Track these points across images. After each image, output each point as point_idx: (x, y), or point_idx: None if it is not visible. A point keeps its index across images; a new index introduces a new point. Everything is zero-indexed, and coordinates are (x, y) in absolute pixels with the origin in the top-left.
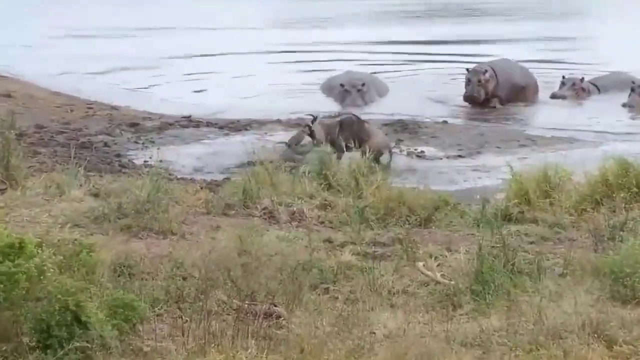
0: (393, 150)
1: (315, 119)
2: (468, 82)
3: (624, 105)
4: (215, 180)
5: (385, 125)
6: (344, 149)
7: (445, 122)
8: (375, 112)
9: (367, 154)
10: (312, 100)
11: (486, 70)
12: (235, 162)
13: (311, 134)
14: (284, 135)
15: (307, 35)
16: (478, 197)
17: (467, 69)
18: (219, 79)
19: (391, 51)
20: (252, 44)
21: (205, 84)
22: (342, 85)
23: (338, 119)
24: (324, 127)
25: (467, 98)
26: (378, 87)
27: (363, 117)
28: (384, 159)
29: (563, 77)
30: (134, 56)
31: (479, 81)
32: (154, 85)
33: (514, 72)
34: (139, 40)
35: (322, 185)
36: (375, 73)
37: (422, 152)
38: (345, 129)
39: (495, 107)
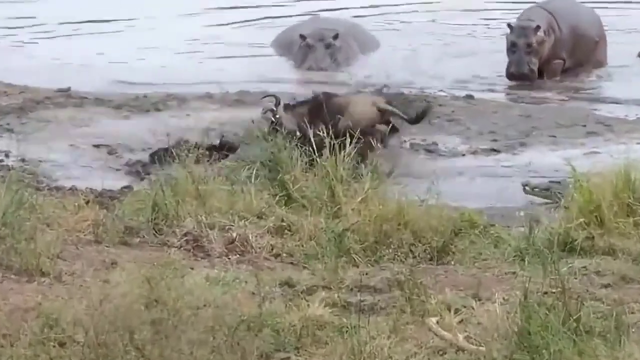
0: (389, 136)
1: (278, 102)
2: (512, 48)
3: None
4: (110, 191)
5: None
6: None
7: (470, 96)
8: (355, 80)
9: (348, 142)
10: (259, 64)
11: (538, 27)
12: (140, 162)
13: (275, 123)
14: (219, 118)
15: None
16: (522, 214)
17: (509, 24)
18: (118, 31)
19: None
20: None
21: (97, 41)
22: (302, 37)
23: (307, 105)
24: (295, 115)
25: (513, 76)
26: (361, 41)
27: (337, 88)
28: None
29: None
30: None
31: (529, 46)
32: (18, 43)
33: (580, 18)
34: None
35: (278, 198)
36: (358, 18)
37: (435, 144)
38: (314, 116)
39: (556, 75)
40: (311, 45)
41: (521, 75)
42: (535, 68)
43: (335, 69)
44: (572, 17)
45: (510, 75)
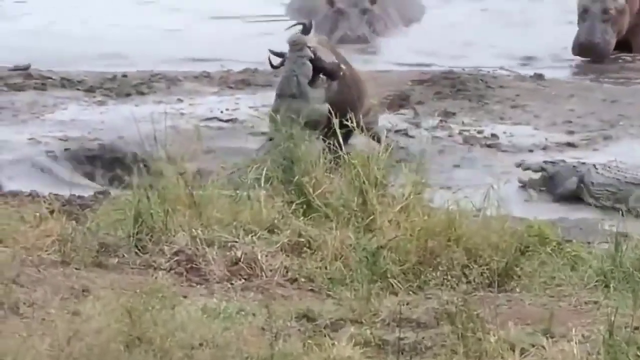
0: (432, 129)
1: (309, 29)
2: (584, 14)
3: None
4: (80, 197)
5: (417, 81)
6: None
7: (540, 76)
8: (396, 55)
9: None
10: (269, 34)
11: None
12: (118, 160)
13: (315, 61)
14: (218, 104)
15: None
16: (606, 228)
17: None
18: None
19: None
20: None
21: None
22: (331, 2)
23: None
24: (333, 51)
25: (582, 47)
26: (403, 6)
27: (367, 64)
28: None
29: None
30: None
31: (605, 12)
32: None
33: None
34: None
35: (294, 206)
36: None
37: (495, 137)
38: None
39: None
40: (343, 11)
41: (592, 46)
42: (612, 40)
43: (373, 42)
44: None
45: (578, 47)
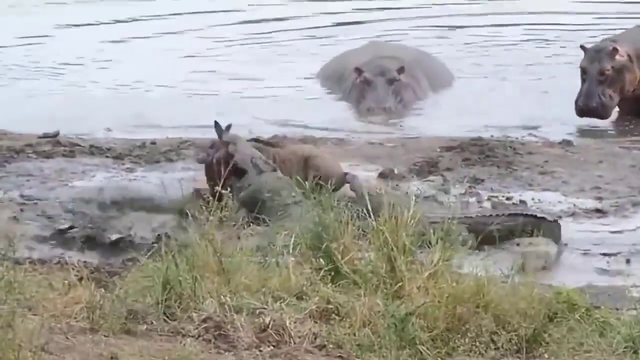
0: (460, 196)
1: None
2: (583, 76)
3: None
4: (109, 264)
5: (446, 148)
6: None
7: (568, 142)
8: (423, 123)
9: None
10: (297, 102)
11: (616, 49)
12: (148, 227)
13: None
14: None
15: None
16: (634, 294)
17: (582, 46)
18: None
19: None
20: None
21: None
22: (358, 71)
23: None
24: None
25: (582, 111)
26: (432, 74)
27: (391, 130)
28: None
29: None
30: None
31: (602, 74)
32: None
33: None
34: None
35: (323, 273)
36: (425, 48)
37: (523, 203)
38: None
39: None
40: (370, 81)
41: (590, 110)
42: (611, 101)
43: (401, 111)
44: None
45: (578, 111)
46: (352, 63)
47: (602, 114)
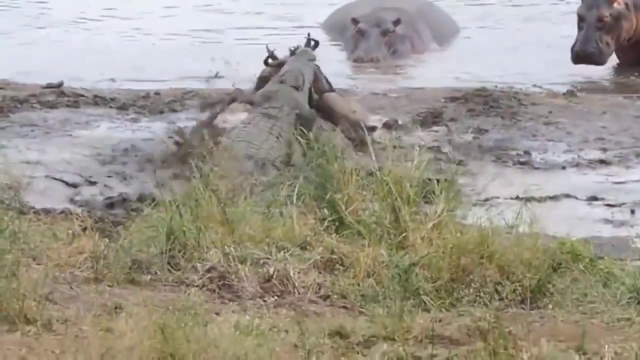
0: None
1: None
2: (580, 23)
3: None
4: (113, 214)
5: (450, 98)
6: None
7: (572, 93)
8: (424, 73)
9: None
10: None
11: None
12: (150, 177)
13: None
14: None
15: None
16: (639, 245)
17: None
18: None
19: None
20: None
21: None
22: (354, 21)
23: None
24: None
25: (578, 57)
26: (436, 25)
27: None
28: None
29: None
30: None
31: (600, 20)
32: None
33: None
34: None
35: (327, 223)
36: None
37: (527, 154)
38: None
39: None
40: (364, 32)
41: (587, 55)
42: (608, 48)
43: (393, 61)
44: None
45: (575, 56)
46: (355, 14)
47: (598, 60)
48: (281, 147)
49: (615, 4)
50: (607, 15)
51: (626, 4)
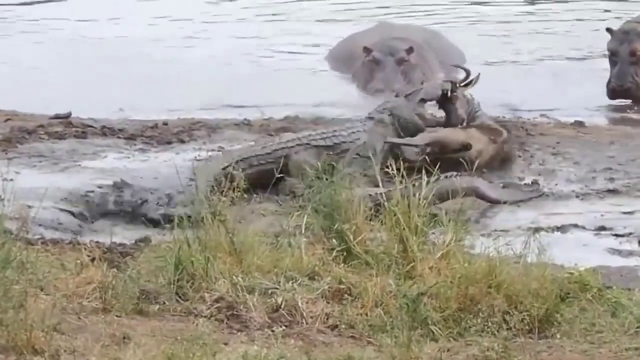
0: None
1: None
2: (613, 57)
3: None
4: (121, 245)
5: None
6: None
7: (580, 123)
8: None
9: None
10: (309, 82)
11: None
12: (160, 208)
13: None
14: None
15: None
16: None
17: (608, 29)
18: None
19: None
20: None
21: (104, 54)
22: (367, 50)
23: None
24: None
25: (615, 92)
26: (443, 54)
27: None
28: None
29: None
30: None
31: (633, 54)
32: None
33: None
34: None
35: (335, 253)
36: (439, 25)
37: (535, 183)
38: None
39: None
40: (379, 61)
41: (624, 91)
42: None
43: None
44: None
45: (611, 92)
46: (361, 44)
47: (636, 94)
48: None
49: None
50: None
51: None
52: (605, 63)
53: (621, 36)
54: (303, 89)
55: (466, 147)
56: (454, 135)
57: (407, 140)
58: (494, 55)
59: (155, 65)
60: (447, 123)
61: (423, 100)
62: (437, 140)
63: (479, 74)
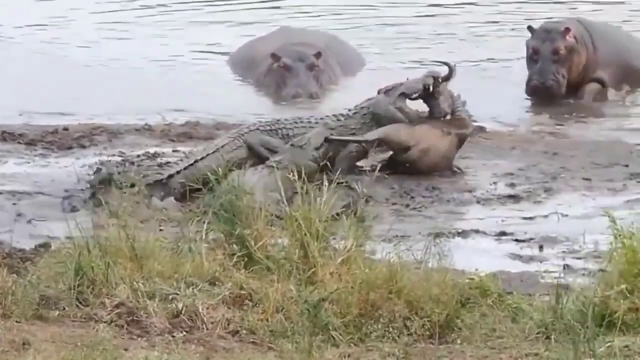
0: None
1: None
2: (534, 55)
3: None
4: (21, 250)
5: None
6: None
7: (481, 128)
8: (335, 106)
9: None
10: (212, 87)
11: (568, 29)
12: (60, 214)
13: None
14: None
15: None
16: (547, 280)
17: (530, 27)
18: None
19: None
20: None
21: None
22: (275, 57)
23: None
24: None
25: (536, 89)
26: (344, 59)
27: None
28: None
29: None
30: None
31: (555, 53)
32: None
33: (621, 39)
34: None
35: (236, 259)
36: (335, 31)
37: (436, 189)
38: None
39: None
40: (290, 67)
41: (545, 88)
42: (564, 81)
43: (320, 96)
44: (611, 37)
45: (532, 89)
46: (262, 50)
47: (557, 91)
48: None
49: (568, 37)
50: (562, 48)
51: (576, 38)
52: (503, 69)
53: (543, 34)
54: (204, 94)
55: (405, 149)
56: (397, 133)
57: (352, 137)
58: (396, 58)
59: (53, 69)
60: (430, 117)
61: (404, 95)
62: (381, 137)
63: (455, 64)
